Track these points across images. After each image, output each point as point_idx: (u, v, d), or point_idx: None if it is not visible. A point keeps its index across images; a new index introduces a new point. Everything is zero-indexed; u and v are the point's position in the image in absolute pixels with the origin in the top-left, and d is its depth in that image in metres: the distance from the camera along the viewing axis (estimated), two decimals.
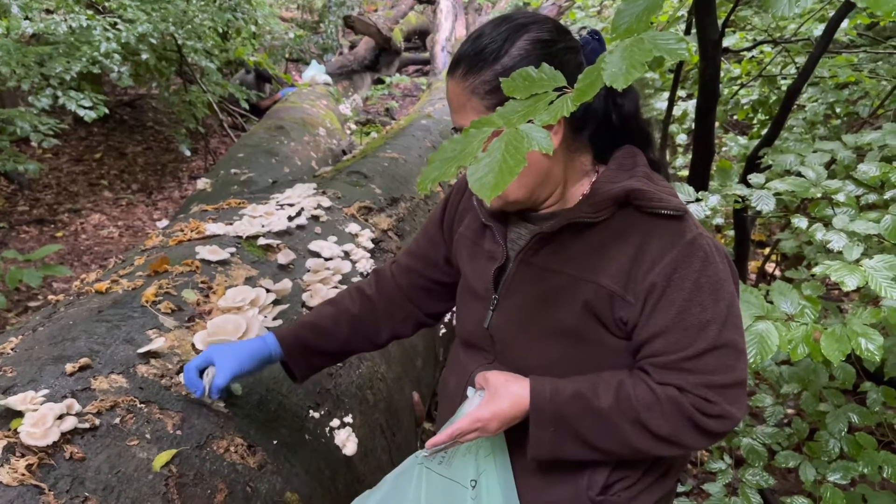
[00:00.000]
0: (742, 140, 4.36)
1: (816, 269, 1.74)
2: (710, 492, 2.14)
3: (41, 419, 1.20)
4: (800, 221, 1.92)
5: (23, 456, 1.14)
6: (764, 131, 3.40)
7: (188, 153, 6.26)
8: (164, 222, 2.61)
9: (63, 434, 1.20)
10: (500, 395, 1.20)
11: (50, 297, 1.92)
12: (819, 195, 1.88)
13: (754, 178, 2.07)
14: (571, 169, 1.23)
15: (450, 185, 2.61)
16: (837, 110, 4.12)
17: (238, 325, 1.60)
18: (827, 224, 1.89)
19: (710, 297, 1.13)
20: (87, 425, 1.24)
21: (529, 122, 0.84)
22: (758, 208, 1.94)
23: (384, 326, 1.55)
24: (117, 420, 1.29)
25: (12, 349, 1.47)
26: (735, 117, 4.98)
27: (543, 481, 1.28)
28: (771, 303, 1.83)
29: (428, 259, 1.53)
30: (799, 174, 1.98)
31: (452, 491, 1.29)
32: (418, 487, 1.31)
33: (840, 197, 1.99)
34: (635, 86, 1.26)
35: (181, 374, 1.48)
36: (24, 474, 1.11)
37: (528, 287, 1.26)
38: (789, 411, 2.95)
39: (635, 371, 1.20)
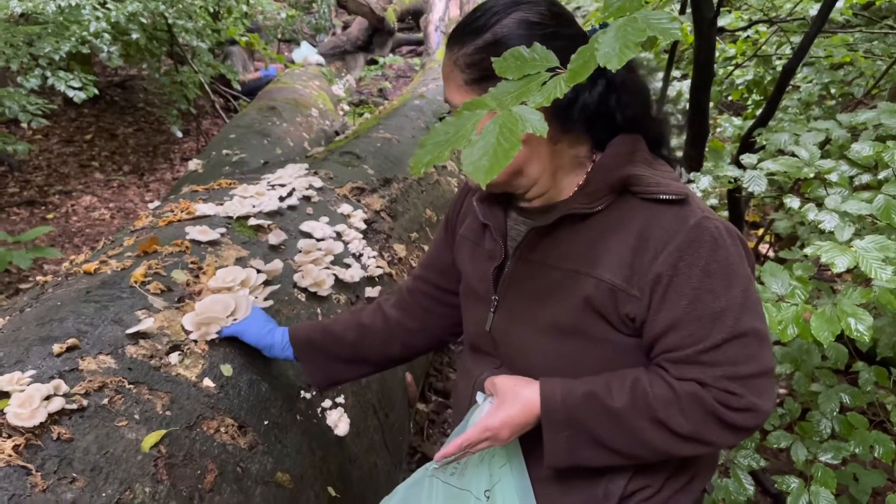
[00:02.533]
0: (736, 121, 4.35)
1: (807, 250, 1.73)
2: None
3: (28, 400, 1.18)
4: (792, 202, 1.91)
5: (9, 437, 1.13)
6: (758, 112, 3.39)
7: (180, 134, 6.23)
8: (156, 204, 2.58)
9: (50, 415, 1.19)
10: (508, 401, 1.14)
11: (38, 278, 1.90)
12: (812, 175, 1.87)
13: (746, 158, 2.06)
14: (559, 159, 1.17)
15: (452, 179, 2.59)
16: (832, 91, 4.11)
17: (227, 305, 1.59)
18: (819, 204, 1.88)
19: (722, 283, 1.06)
20: (74, 406, 1.23)
21: (523, 103, 0.83)
22: (749, 189, 1.93)
23: (395, 338, 1.52)
24: (105, 401, 1.28)
25: None
26: (730, 98, 4.96)
27: (559, 491, 1.22)
28: (762, 284, 1.83)
29: (435, 267, 1.49)
30: (793, 154, 1.97)
31: (465, 501, 1.23)
32: (430, 499, 1.26)
33: (833, 177, 1.98)
34: (648, 87, 1.22)
35: (170, 355, 1.47)
36: (10, 455, 1.10)
37: (526, 284, 1.21)
38: (781, 391, 2.96)
39: (652, 367, 1.13)
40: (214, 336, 1.56)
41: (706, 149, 2.68)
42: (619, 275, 1.10)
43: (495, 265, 1.25)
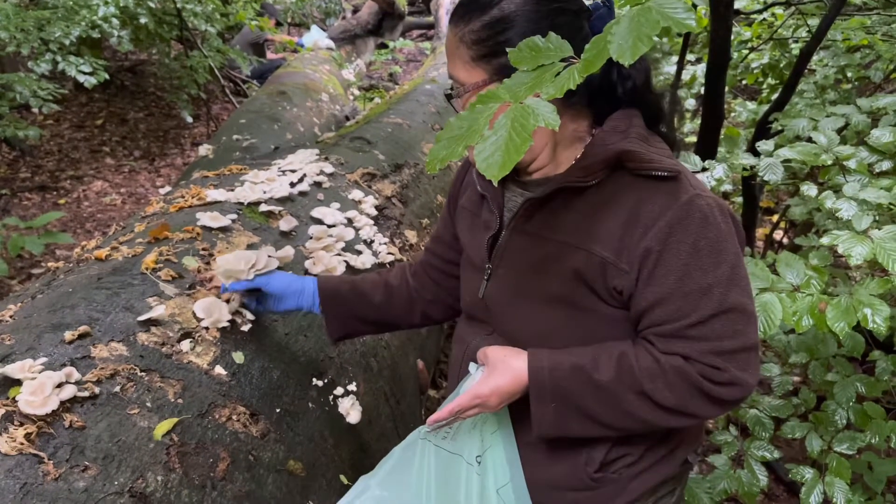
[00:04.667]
0: (751, 105, 4.30)
1: (824, 240, 1.71)
2: (716, 464, 2.13)
3: (40, 387, 1.18)
4: (809, 189, 1.88)
5: (21, 424, 1.13)
6: (774, 96, 3.35)
7: (190, 119, 6.21)
8: (167, 189, 2.58)
9: (62, 402, 1.18)
10: (498, 370, 1.17)
11: (50, 264, 1.90)
12: (829, 162, 1.84)
13: (763, 145, 2.02)
14: (560, 134, 1.18)
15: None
16: (849, 74, 4.05)
17: (248, 259, 1.59)
18: (837, 192, 1.85)
19: (711, 259, 1.08)
20: (86, 394, 1.23)
21: (536, 95, 0.81)
22: (765, 178, 1.90)
23: (416, 305, 1.56)
24: (117, 388, 1.28)
25: (10, 317, 1.46)
26: (744, 82, 4.91)
27: (545, 457, 1.26)
28: (777, 274, 1.80)
29: (442, 240, 1.53)
30: (810, 140, 1.94)
31: (457, 466, 1.27)
32: (422, 462, 1.31)
33: (851, 164, 1.95)
34: (647, 59, 1.22)
35: (182, 342, 1.46)
36: (22, 443, 1.10)
37: (519, 255, 1.24)
38: (796, 379, 2.94)
39: (639, 341, 1.16)
40: (227, 322, 1.55)
41: (721, 135, 2.64)
42: (609, 248, 1.12)
43: (490, 234, 1.28)
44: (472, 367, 1.27)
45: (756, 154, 2.05)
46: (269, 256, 1.61)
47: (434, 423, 1.22)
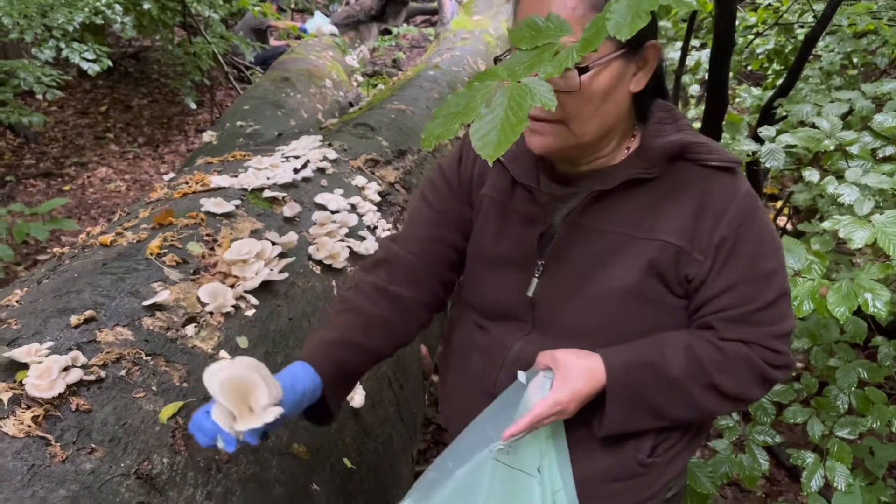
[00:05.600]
0: (756, 91, 4.28)
1: (825, 224, 1.71)
2: (718, 448, 2.15)
3: (46, 371, 1.20)
4: (811, 175, 1.87)
5: (28, 407, 1.14)
6: (779, 82, 3.33)
7: (194, 106, 6.21)
8: (171, 175, 2.58)
9: (69, 386, 1.20)
10: (573, 374, 1.13)
11: (55, 249, 1.92)
12: (832, 147, 1.84)
13: (764, 131, 2.02)
14: (624, 125, 1.18)
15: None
16: (854, 60, 4.03)
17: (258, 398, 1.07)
18: (840, 177, 1.84)
19: (771, 246, 1.15)
20: (92, 377, 1.24)
21: (534, 75, 0.81)
22: (767, 164, 1.89)
23: (413, 320, 1.33)
24: (123, 372, 1.29)
25: (17, 301, 1.47)
26: (749, 68, 4.87)
27: (593, 453, 1.24)
28: None
29: (452, 226, 1.34)
30: (814, 126, 1.93)
31: (520, 481, 1.22)
32: (491, 482, 1.22)
33: (854, 149, 1.94)
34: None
35: (186, 327, 1.48)
36: (30, 426, 1.11)
37: (578, 249, 1.19)
38: (798, 365, 2.95)
39: (694, 330, 1.18)
40: (231, 307, 1.56)
41: (724, 121, 2.64)
42: (682, 237, 1.13)
43: (540, 230, 1.21)
44: (522, 375, 1.20)
45: (759, 140, 2.04)
46: (272, 387, 1.08)
47: (510, 437, 1.15)
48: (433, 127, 0.84)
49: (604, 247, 1.17)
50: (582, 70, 1.04)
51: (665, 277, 1.15)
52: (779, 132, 1.99)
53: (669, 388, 1.14)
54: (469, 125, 0.81)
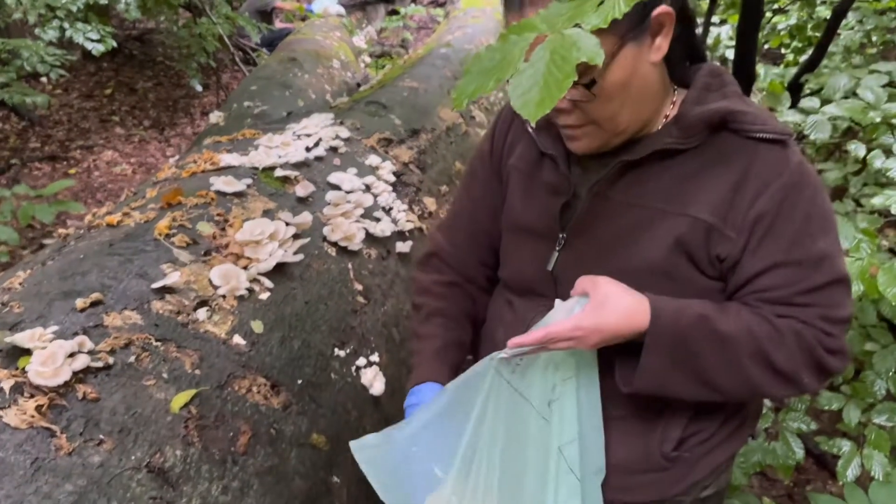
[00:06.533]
0: (776, 70, 4.18)
1: (875, 200, 1.62)
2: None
3: (51, 357, 1.12)
4: (858, 148, 1.78)
5: (32, 396, 1.07)
6: (801, 59, 3.23)
7: (200, 88, 6.13)
8: (177, 157, 2.51)
9: (75, 373, 1.12)
10: (609, 306, 1.03)
11: (60, 230, 1.84)
12: (878, 119, 1.74)
13: (808, 101, 1.92)
14: (662, 83, 1.10)
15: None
16: (874, 38, 3.93)
17: None
18: (887, 151, 1.75)
19: (821, 227, 1.04)
20: (100, 364, 1.16)
21: (577, 26, 0.72)
22: (812, 136, 1.80)
23: (479, 298, 1.38)
24: (132, 359, 1.21)
25: (20, 284, 1.39)
26: (767, 45, 4.77)
27: (617, 437, 1.16)
28: None
29: (491, 211, 1.31)
30: (855, 95, 1.83)
31: (521, 407, 1.13)
32: (488, 396, 1.13)
33: None
34: None
35: (198, 311, 1.39)
36: (33, 416, 1.04)
37: (604, 223, 1.12)
38: None
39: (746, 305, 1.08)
40: (245, 290, 1.48)
41: (760, 94, 2.53)
42: (716, 214, 1.04)
43: (563, 200, 1.15)
44: (558, 302, 1.12)
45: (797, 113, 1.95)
46: None
47: (517, 346, 1.07)
48: (465, 84, 0.76)
49: (630, 221, 1.10)
50: (589, 84, 0.99)
51: (694, 256, 1.07)
52: (823, 102, 1.89)
53: (719, 344, 1.03)
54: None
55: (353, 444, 1.21)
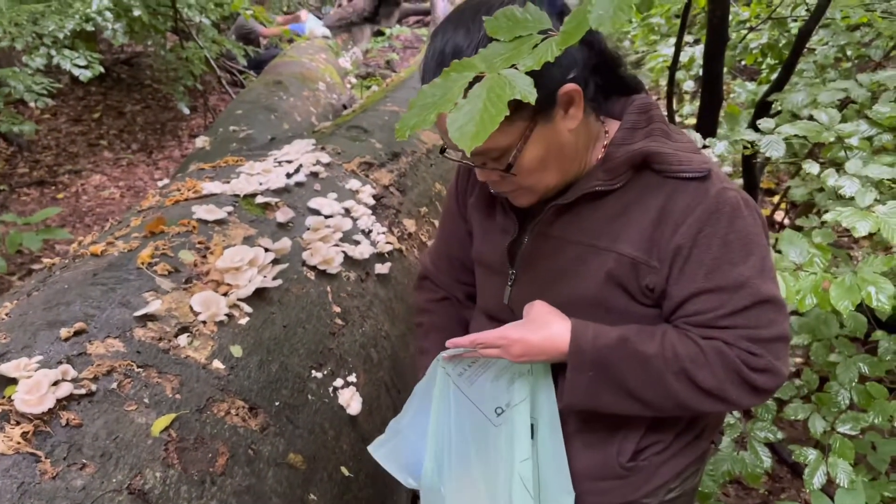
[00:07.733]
0: (750, 86, 4.26)
1: (827, 216, 1.69)
2: (719, 446, 2.13)
3: (36, 386, 1.17)
4: (811, 167, 1.86)
5: (18, 423, 1.12)
6: (773, 76, 3.32)
7: (187, 111, 6.18)
8: (165, 181, 2.56)
9: (59, 400, 1.18)
10: (535, 324, 1.16)
11: (45, 260, 1.89)
12: (832, 139, 1.82)
13: (764, 122, 2.00)
14: (586, 135, 1.17)
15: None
16: (849, 53, 4.01)
17: None
18: (839, 169, 1.83)
19: (741, 252, 1.09)
20: (83, 391, 1.22)
21: (513, 67, 0.79)
22: (767, 154, 1.88)
23: (468, 309, 1.53)
24: (114, 385, 1.27)
25: (6, 315, 1.45)
26: (743, 62, 4.86)
27: (578, 448, 1.26)
28: (779, 252, 1.78)
29: (461, 242, 1.46)
30: (811, 117, 1.92)
31: (471, 413, 1.28)
32: (440, 394, 1.31)
33: (853, 141, 1.92)
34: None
35: (179, 337, 1.45)
36: (19, 442, 1.09)
37: (545, 259, 1.22)
38: (798, 360, 2.93)
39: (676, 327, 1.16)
40: (224, 316, 1.54)
41: (721, 114, 2.62)
42: (640, 248, 1.12)
43: (510, 239, 1.26)
44: None
45: (757, 132, 2.03)
46: None
47: (453, 346, 1.21)
48: (408, 117, 0.82)
49: (568, 256, 1.19)
50: (507, 168, 1.09)
51: (627, 287, 1.15)
52: (777, 124, 1.97)
53: (641, 365, 1.11)
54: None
55: (370, 449, 1.39)
